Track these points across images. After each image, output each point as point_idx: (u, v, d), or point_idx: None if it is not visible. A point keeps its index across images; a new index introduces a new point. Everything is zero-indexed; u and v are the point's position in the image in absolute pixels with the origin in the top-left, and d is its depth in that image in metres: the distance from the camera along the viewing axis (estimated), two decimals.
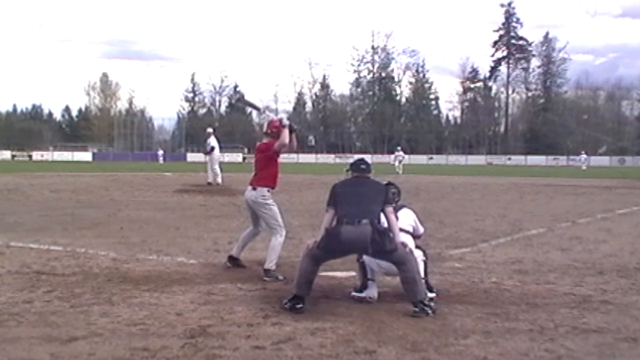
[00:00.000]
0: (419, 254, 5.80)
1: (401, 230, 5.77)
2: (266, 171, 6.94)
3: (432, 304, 5.28)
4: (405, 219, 6.01)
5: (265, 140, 7.06)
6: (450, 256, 8.08)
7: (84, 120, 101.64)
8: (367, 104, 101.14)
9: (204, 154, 22.55)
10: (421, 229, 6.25)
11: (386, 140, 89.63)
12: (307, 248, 5.56)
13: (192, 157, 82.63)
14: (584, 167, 55.05)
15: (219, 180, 21.50)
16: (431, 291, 5.72)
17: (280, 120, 6.91)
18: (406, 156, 42.73)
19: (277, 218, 6.87)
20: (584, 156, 59.80)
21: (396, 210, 5.92)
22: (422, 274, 5.76)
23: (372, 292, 5.72)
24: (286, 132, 6.77)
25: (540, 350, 4.30)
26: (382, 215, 5.60)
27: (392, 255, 5.35)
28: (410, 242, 5.77)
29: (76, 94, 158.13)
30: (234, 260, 7.14)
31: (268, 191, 6.92)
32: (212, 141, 21.53)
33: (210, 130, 22.16)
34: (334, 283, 6.36)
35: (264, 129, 7.18)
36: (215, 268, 7.11)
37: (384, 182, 6.25)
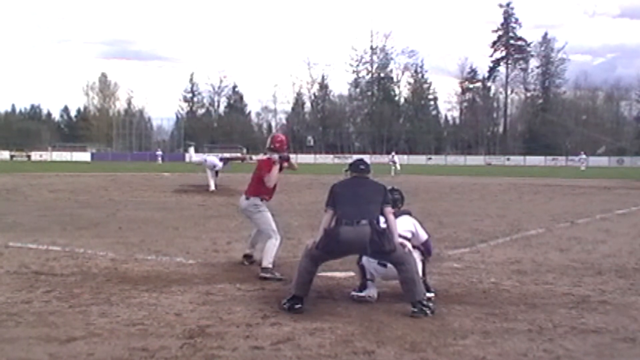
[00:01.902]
0: (416, 255, 5.80)
1: (399, 236, 5.74)
2: (261, 185, 7.00)
3: (430, 304, 5.28)
4: (404, 225, 5.91)
5: (268, 155, 7.07)
6: (449, 256, 8.08)
7: (83, 121, 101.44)
8: (365, 104, 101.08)
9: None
10: (423, 236, 6.03)
11: (385, 141, 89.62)
12: (306, 248, 5.56)
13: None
14: (582, 168, 55.04)
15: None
16: (429, 291, 5.72)
17: (270, 159, 6.97)
18: (397, 158, 43.25)
19: (269, 224, 6.93)
20: (582, 156, 59.78)
21: (396, 216, 5.88)
22: (421, 274, 5.76)
23: (371, 291, 5.72)
24: (276, 170, 6.90)
25: (539, 350, 4.30)
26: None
27: (391, 256, 5.35)
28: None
29: (75, 94, 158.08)
30: (249, 258, 7.24)
31: (261, 200, 6.98)
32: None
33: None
34: (333, 283, 6.36)
35: (268, 144, 7.19)
36: (214, 268, 7.11)
37: (388, 188, 6.25)
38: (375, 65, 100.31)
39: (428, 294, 5.59)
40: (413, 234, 5.94)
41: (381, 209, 5.49)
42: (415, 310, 5.16)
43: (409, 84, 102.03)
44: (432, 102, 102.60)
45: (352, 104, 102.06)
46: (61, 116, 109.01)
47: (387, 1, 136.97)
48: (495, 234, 10.40)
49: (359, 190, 5.58)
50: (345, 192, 5.60)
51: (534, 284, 6.46)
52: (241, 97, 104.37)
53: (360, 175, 5.78)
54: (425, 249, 6.03)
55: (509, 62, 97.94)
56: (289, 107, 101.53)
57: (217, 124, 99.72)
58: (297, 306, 5.26)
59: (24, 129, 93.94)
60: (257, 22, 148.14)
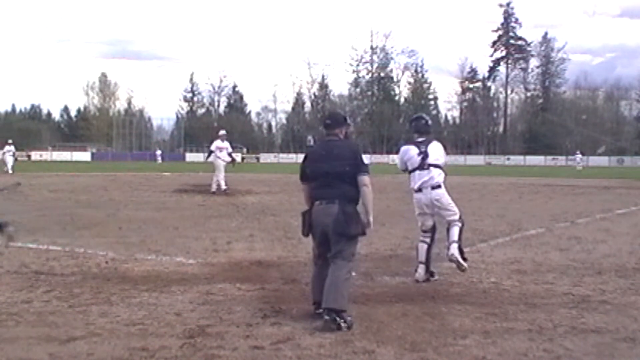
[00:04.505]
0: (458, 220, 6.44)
1: (432, 165, 6.29)
2: None
3: (348, 317, 4.76)
4: (439, 150, 6.46)
5: None
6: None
7: (83, 120, 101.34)
8: (365, 104, 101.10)
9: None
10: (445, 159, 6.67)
11: (385, 140, 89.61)
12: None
13: (190, 157, 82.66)
14: (579, 167, 54.73)
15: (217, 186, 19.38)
16: (464, 257, 6.33)
17: None
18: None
19: None
20: (579, 156, 59.50)
21: (428, 143, 6.30)
22: (457, 237, 6.31)
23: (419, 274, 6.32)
24: None
25: (539, 350, 4.30)
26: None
27: (345, 243, 4.96)
28: (441, 177, 6.35)
29: (75, 94, 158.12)
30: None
31: None
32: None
33: (221, 132, 20.22)
34: None
35: None
36: (214, 268, 7.11)
37: (414, 116, 6.75)
38: (375, 65, 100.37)
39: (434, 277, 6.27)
40: (443, 155, 6.52)
41: (356, 178, 5.05)
42: (328, 318, 4.65)
43: (409, 83, 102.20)
44: (432, 102, 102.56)
45: (352, 103, 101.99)
46: (61, 116, 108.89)
47: (387, 1, 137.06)
48: (495, 233, 10.39)
49: (329, 161, 5.06)
50: (315, 164, 5.18)
51: (534, 284, 6.46)
52: (241, 97, 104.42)
53: (330, 136, 5.28)
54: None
55: (509, 61, 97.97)
56: (289, 107, 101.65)
57: (217, 124, 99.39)
58: (318, 311, 4.97)
59: (24, 128, 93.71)
60: (257, 22, 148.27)
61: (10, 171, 31.98)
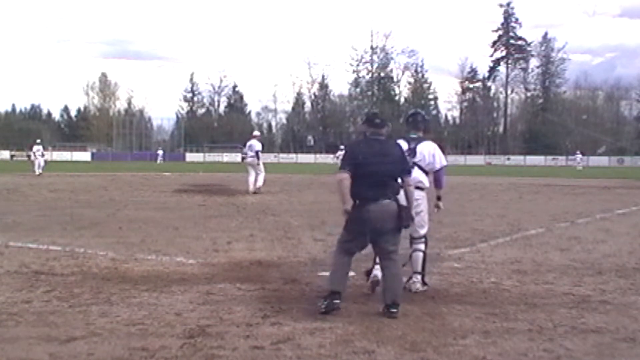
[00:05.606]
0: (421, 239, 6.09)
1: (417, 165, 6.07)
2: None
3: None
4: (427, 149, 6.19)
5: None
6: (449, 256, 8.08)
7: (83, 120, 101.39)
8: (366, 104, 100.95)
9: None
10: (441, 162, 6.29)
11: None
12: (338, 240, 5.46)
13: (190, 157, 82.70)
14: (579, 167, 54.74)
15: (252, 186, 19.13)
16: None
17: None
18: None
19: None
20: (579, 156, 59.48)
21: (419, 141, 6.17)
22: (420, 268, 6.02)
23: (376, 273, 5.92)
24: None
25: (539, 350, 4.30)
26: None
27: (394, 236, 5.29)
28: (425, 181, 6.15)
29: (75, 94, 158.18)
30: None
31: None
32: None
33: (257, 133, 20.25)
34: None
35: None
36: (214, 268, 7.10)
37: (411, 111, 6.56)
38: (375, 65, 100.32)
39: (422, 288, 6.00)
40: (434, 156, 6.22)
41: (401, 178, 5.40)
42: (395, 310, 5.08)
43: (409, 83, 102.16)
44: (432, 102, 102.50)
45: (353, 103, 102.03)
46: (61, 116, 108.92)
47: (387, 1, 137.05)
48: (496, 233, 10.39)
49: (385, 163, 5.27)
50: (370, 164, 5.23)
51: (534, 284, 6.46)
52: (241, 97, 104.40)
53: (377, 134, 5.43)
54: (436, 179, 6.35)
55: (509, 61, 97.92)
56: (289, 107, 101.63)
57: (217, 124, 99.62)
58: (336, 302, 5.10)
59: (24, 128, 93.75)
60: (257, 22, 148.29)
61: (39, 171, 30.98)
